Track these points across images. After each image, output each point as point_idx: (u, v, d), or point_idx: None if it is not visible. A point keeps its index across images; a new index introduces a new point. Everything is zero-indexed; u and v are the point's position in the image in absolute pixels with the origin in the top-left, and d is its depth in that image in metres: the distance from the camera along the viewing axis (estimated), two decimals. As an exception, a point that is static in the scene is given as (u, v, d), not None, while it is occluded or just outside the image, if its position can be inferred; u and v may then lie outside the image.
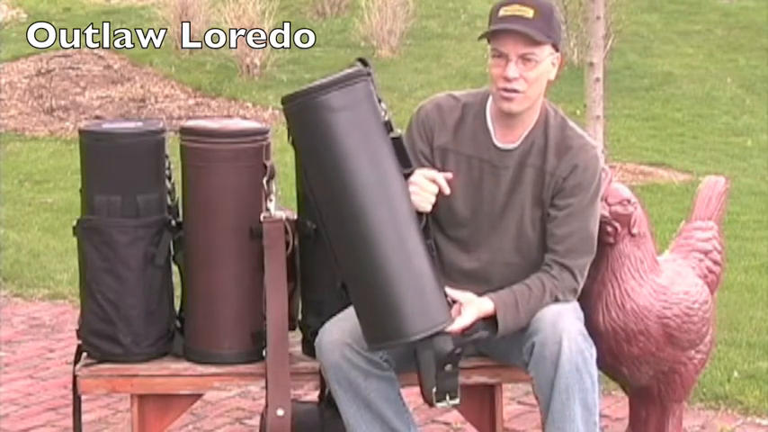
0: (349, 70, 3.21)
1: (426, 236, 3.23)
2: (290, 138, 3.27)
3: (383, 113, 3.20)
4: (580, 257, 3.35)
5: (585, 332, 3.26)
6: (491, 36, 3.26)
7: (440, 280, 3.21)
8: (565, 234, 3.33)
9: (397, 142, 3.22)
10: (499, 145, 3.35)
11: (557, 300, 3.30)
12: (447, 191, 3.27)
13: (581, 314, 3.33)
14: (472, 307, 3.24)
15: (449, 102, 3.41)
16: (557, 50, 3.30)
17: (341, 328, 3.30)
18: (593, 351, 3.24)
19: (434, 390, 3.20)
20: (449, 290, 3.23)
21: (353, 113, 3.15)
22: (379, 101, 3.21)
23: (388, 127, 3.21)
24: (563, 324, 3.22)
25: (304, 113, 3.16)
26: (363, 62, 3.25)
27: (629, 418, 3.82)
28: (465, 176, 3.37)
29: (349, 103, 3.14)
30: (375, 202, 3.14)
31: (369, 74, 3.20)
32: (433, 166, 3.36)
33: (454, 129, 3.38)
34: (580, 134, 3.39)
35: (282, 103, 3.21)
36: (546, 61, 3.27)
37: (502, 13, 3.25)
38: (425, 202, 3.24)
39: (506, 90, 3.26)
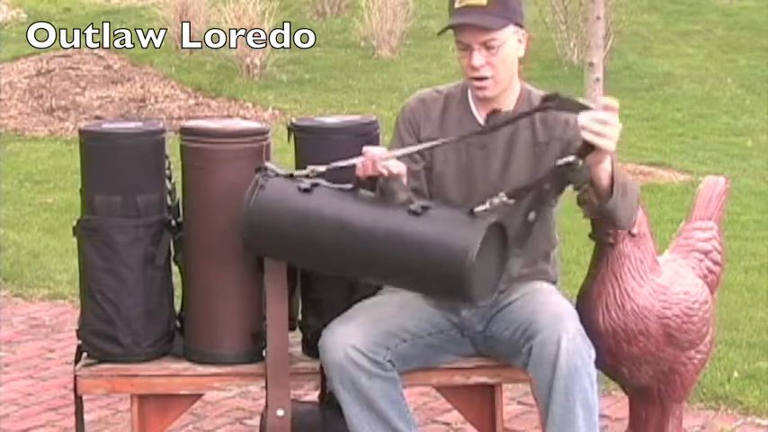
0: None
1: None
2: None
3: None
4: None
5: (584, 333, 3.25)
6: (453, 30, 3.32)
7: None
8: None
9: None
10: (485, 124, 3.40)
11: None
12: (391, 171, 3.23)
13: (577, 316, 3.33)
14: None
15: (432, 95, 3.49)
16: (521, 27, 3.35)
17: (345, 329, 3.29)
18: (592, 352, 3.24)
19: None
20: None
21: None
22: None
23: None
24: (562, 325, 3.22)
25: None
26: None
27: (629, 418, 3.81)
28: (454, 163, 3.41)
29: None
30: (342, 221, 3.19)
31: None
32: (423, 159, 3.42)
33: (440, 119, 3.44)
34: None
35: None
36: (510, 41, 3.32)
37: (457, 4, 3.32)
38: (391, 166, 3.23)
39: (477, 79, 3.33)
